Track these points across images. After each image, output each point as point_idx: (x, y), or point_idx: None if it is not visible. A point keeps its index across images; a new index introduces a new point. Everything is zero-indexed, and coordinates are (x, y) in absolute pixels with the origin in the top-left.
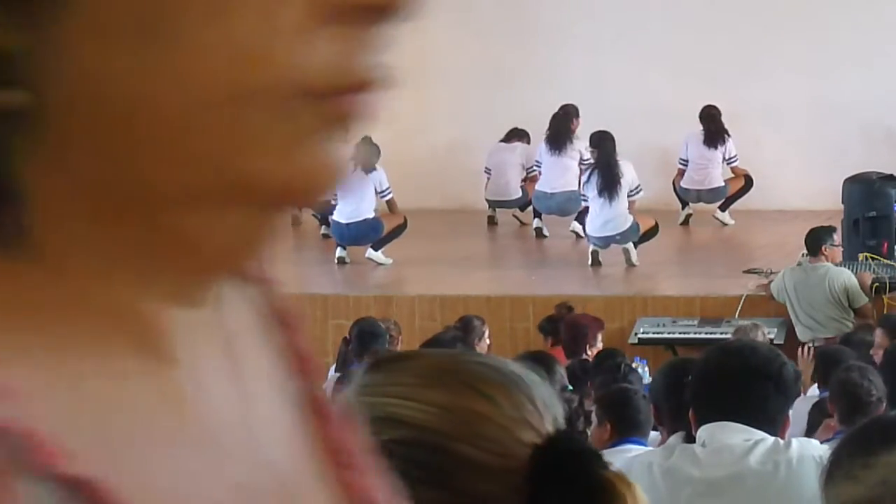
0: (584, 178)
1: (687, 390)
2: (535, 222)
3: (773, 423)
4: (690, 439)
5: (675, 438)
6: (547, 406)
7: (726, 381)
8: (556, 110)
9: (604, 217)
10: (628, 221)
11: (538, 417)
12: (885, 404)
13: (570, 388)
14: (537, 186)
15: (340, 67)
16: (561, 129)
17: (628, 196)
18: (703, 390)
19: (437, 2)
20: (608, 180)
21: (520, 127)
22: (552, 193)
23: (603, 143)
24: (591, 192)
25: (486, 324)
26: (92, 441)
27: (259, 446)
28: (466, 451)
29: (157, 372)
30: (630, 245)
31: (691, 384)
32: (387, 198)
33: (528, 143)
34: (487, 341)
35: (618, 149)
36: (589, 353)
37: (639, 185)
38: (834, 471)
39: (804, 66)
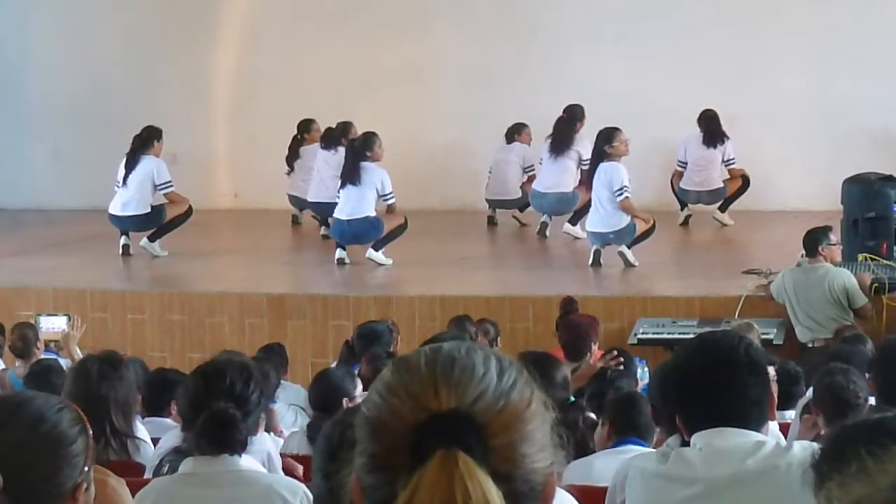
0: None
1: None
2: (544, 217)
3: (759, 406)
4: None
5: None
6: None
7: (702, 383)
8: (555, 110)
9: (599, 214)
10: (623, 221)
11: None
12: (868, 405)
13: (573, 399)
14: (533, 185)
15: None
16: (564, 133)
17: (614, 194)
18: (682, 397)
19: (437, 3)
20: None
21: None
22: (544, 193)
23: (597, 139)
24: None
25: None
26: None
27: None
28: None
29: None
30: (624, 248)
31: (671, 393)
32: (389, 202)
33: (529, 136)
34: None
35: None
36: (593, 352)
37: (623, 187)
38: (835, 468)
39: (803, 67)
